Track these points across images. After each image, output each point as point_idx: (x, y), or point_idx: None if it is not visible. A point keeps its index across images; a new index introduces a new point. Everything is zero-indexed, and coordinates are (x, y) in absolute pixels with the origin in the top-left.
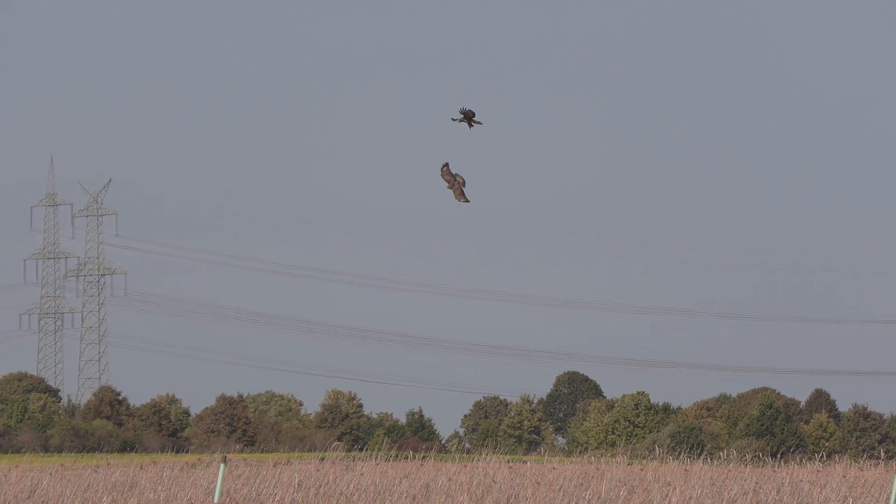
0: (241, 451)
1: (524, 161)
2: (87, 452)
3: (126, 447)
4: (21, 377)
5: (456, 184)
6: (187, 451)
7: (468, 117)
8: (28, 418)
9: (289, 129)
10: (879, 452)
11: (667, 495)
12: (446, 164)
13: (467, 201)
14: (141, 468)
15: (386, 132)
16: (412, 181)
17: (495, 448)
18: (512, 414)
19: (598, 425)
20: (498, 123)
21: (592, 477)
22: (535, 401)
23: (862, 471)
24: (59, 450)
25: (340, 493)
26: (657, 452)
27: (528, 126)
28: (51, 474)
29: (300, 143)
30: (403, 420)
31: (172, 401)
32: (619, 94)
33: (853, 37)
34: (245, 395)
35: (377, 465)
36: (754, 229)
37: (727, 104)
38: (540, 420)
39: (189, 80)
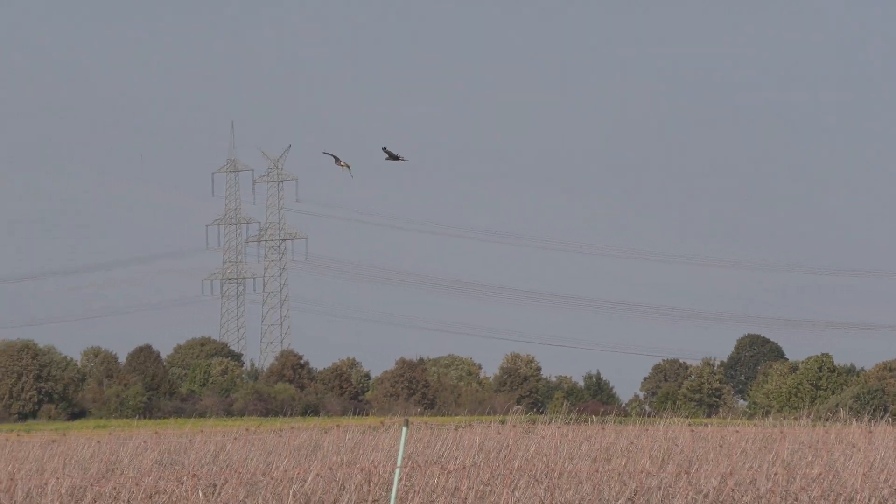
0: (422, 414)
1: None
2: (270, 416)
3: (308, 410)
4: (204, 342)
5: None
6: (368, 414)
7: (336, 162)
8: (211, 382)
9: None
10: None
11: (850, 457)
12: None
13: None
14: (324, 432)
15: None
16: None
17: (675, 411)
18: (692, 377)
19: (780, 388)
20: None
21: (776, 440)
22: (716, 364)
23: None
24: (242, 413)
25: (521, 456)
26: (841, 414)
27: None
28: (234, 438)
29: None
30: (582, 383)
31: (353, 364)
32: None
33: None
34: (425, 358)
35: (558, 428)
36: None
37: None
38: (721, 382)
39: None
